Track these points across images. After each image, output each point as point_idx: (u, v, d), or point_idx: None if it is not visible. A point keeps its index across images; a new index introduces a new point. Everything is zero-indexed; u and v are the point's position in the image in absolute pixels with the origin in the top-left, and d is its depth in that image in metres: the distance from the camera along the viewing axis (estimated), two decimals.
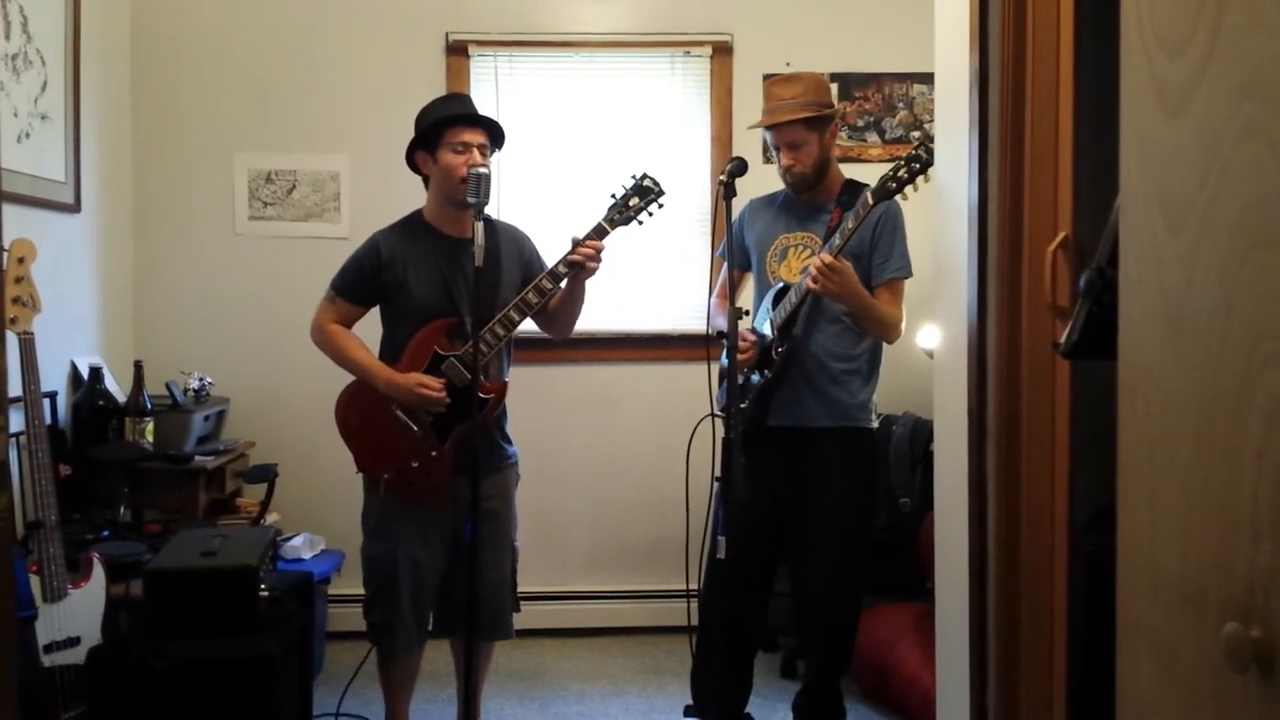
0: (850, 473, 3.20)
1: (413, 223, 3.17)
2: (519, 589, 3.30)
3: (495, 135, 3.14)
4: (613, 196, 3.11)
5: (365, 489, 3.18)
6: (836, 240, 3.00)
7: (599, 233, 3.07)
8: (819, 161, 3.20)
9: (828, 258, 2.95)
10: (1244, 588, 1.01)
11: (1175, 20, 1.14)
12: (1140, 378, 1.22)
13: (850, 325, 3.17)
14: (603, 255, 3.06)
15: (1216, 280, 1.06)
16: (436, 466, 3.04)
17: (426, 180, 3.16)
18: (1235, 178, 1.04)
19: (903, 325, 3.19)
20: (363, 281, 3.13)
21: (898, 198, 3.00)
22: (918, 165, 2.91)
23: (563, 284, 3.10)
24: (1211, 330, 1.07)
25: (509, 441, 3.25)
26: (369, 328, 3.20)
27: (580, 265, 3.04)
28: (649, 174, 3.12)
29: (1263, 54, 1.00)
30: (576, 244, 3.04)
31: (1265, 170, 0.99)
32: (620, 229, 3.10)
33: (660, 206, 3.13)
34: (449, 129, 3.04)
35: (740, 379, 3.14)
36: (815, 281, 2.96)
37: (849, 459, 3.20)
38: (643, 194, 3.10)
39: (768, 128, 3.20)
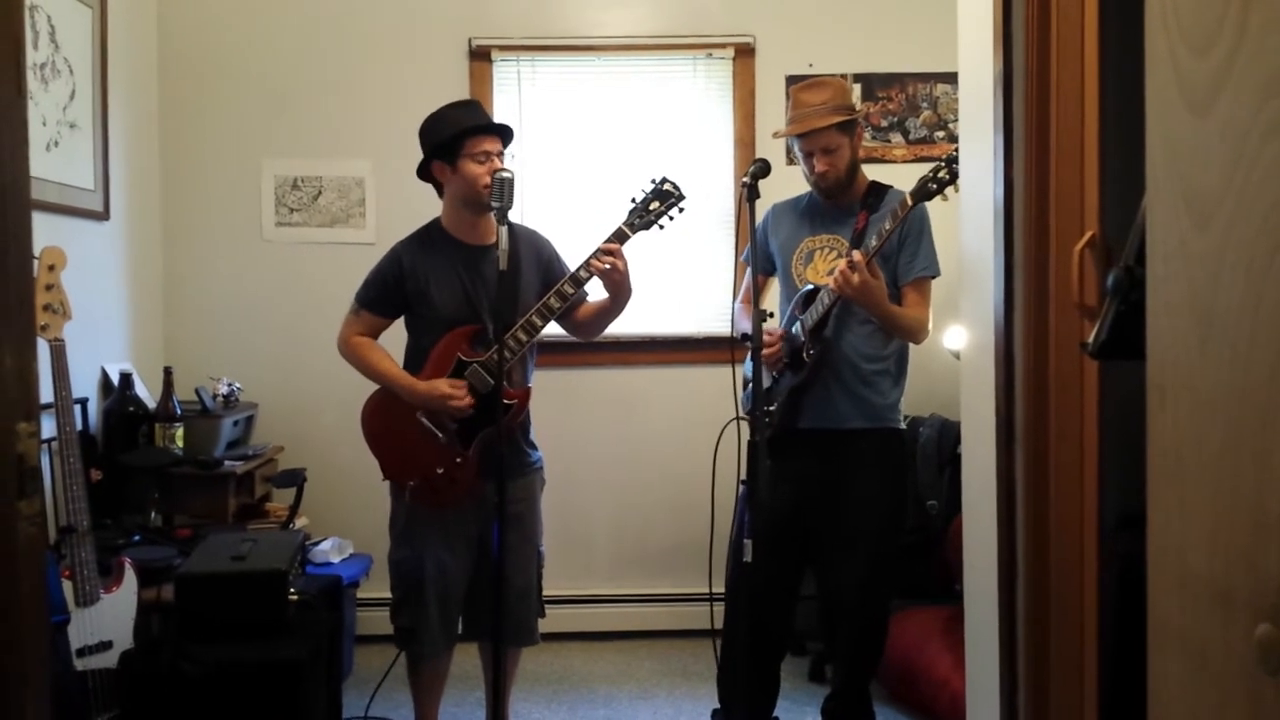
0: (882, 474, 3.19)
1: (431, 232, 3.19)
2: (543, 593, 3.31)
3: (506, 137, 3.16)
4: (633, 201, 3.12)
5: (392, 495, 3.19)
6: (873, 242, 2.99)
7: (619, 237, 3.07)
8: (850, 165, 3.20)
9: (858, 256, 2.95)
10: (1276, 588, 1.00)
11: (1201, 17, 1.13)
12: (1169, 377, 1.21)
13: (879, 326, 3.15)
14: (625, 261, 3.06)
15: (1244, 278, 1.06)
16: (461, 473, 3.05)
17: (438, 188, 3.18)
18: (1262, 175, 1.03)
19: (929, 326, 3.18)
20: (386, 294, 3.15)
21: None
22: (957, 167, 2.89)
23: (584, 289, 3.11)
24: (1240, 328, 1.07)
25: (534, 447, 3.26)
26: (394, 336, 3.22)
27: (601, 272, 3.04)
28: (669, 178, 3.12)
29: None
30: (598, 249, 3.06)
31: None
32: (641, 233, 3.10)
33: (681, 211, 3.13)
34: (469, 139, 3.06)
35: (767, 381, 3.14)
36: (836, 283, 2.96)
37: (881, 460, 3.19)
38: (663, 198, 3.10)
39: (800, 135, 3.19)
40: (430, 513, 3.09)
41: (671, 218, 3.12)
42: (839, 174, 3.18)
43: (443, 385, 3.02)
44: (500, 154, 3.09)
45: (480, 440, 3.04)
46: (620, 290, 3.11)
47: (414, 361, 3.13)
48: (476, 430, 3.05)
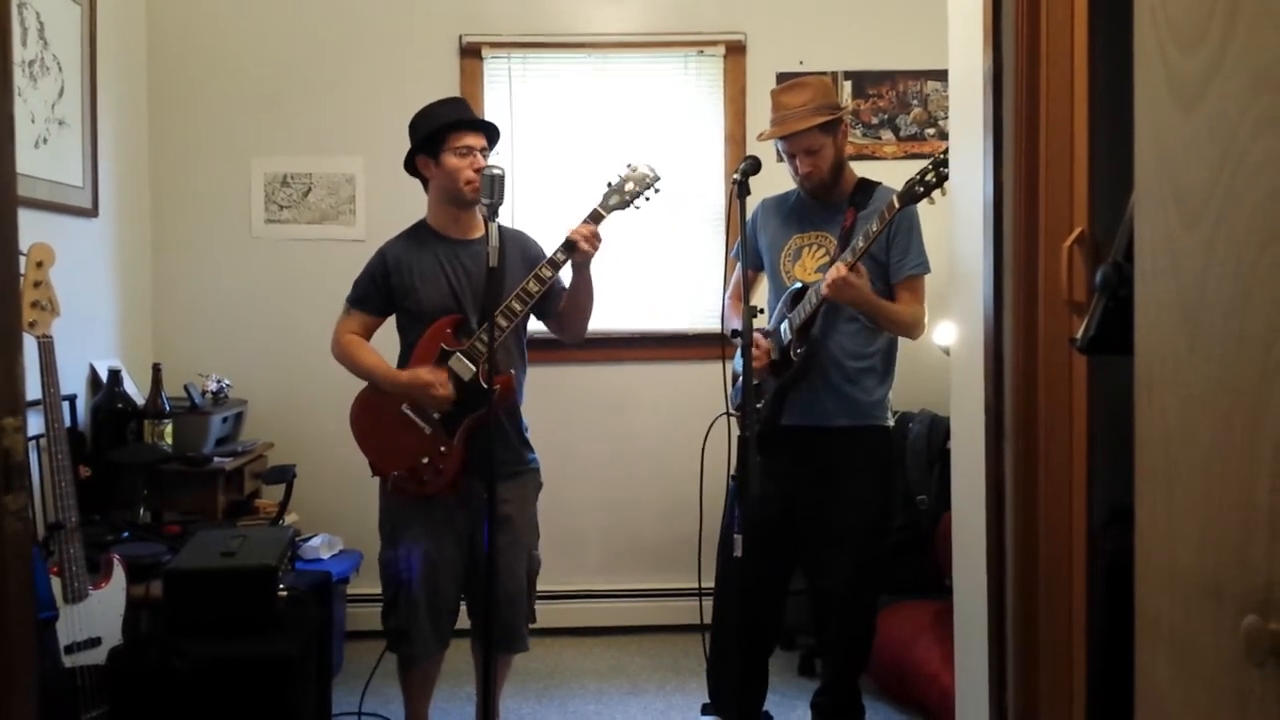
0: (868, 471, 3.19)
1: (417, 229, 3.22)
2: (535, 596, 3.29)
3: (492, 136, 3.18)
4: (608, 184, 3.15)
5: (380, 495, 3.19)
6: (860, 243, 2.98)
7: (594, 218, 3.10)
8: (835, 164, 3.19)
9: (843, 269, 2.94)
10: (1262, 581, 1.01)
11: (1189, 14, 1.14)
12: (1157, 372, 1.22)
13: (867, 324, 3.15)
14: (600, 239, 3.08)
15: (1233, 274, 1.06)
16: (447, 463, 3.05)
17: (425, 183, 3.19)
18: (1251, 171, 1.03)
19: (925, 322, 3.18)
20: (375, 290, 3.16)
21: None
22: (945, 170, 2.87)
23: (561, 271, 3.11)
24: (1228, 324, 1.07)
25: (529, 447, 3.25)
26: (391, 342, 3.22)
27: (575, 246, 3.04)
28: (645, 160, 3.17)
29: (1278, 46, 1.00)
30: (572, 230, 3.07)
31: None
32: (616, 213, 3.13)
33: (656, 192, 3.16)
34: (452, 133, 3.07)
35: (755, 380, 3.14)
36: (829, 289, 2.96)
37: (866, 457, 3.19)
38: (638, 180, 3.14)
39: (783, 137, 3.19)
40: (418, 511, 3.09)
41: (647, 198, 3.16)
42: (822, 174, 3.18)
43: (423, 373, 3.03)
44: (484, 150, 3.11)
45: (466, 428, 3.04)
46: (585, 277, 3.13)
47: (405, 360, 3.14)
48: (462, 419, 3.05)
